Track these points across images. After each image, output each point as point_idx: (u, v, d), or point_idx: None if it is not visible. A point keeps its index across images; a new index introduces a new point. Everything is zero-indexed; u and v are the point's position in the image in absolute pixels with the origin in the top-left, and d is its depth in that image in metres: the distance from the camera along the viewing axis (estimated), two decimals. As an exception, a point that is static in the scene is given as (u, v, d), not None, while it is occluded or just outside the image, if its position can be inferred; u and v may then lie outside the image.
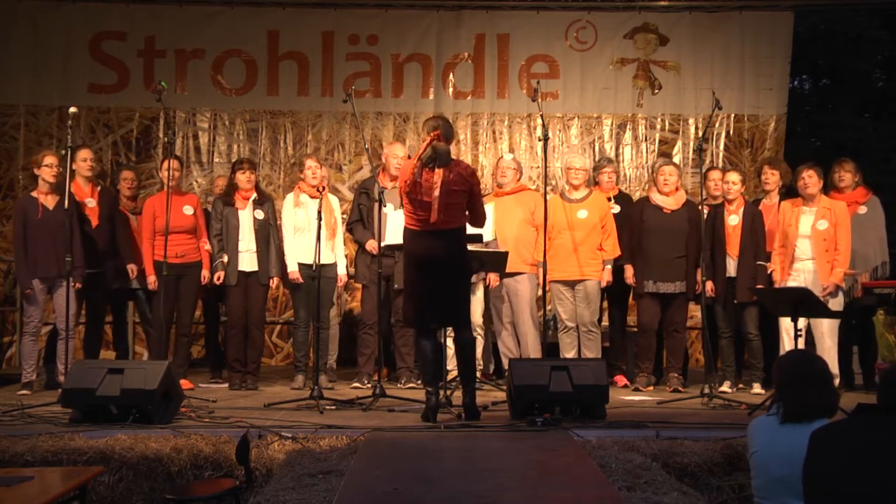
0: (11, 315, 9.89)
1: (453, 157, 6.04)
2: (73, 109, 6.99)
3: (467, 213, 6.03)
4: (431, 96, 10.59)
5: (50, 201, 7.49)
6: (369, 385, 7.61)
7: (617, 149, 10.63)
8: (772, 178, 8.08)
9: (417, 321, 6.05)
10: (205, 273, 7.94)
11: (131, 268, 7.96)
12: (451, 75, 10.64)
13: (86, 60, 10.43)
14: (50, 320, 8.10)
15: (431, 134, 5.87)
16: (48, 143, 10.15)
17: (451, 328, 7.21)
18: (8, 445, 5.10)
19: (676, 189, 7.99)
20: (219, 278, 7.86)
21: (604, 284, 7.92)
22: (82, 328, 8.17)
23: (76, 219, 7.50)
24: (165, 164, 7.55)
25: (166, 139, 8.10)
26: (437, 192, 5.77)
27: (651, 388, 7.86)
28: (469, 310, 6.25)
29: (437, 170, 5.81)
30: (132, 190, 8.31)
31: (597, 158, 9.90)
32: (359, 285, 8.50)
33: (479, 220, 6.13)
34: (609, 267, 7.91)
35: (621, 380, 8.13)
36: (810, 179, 7.52)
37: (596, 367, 6.19)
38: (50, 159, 7.53)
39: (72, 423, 5.71)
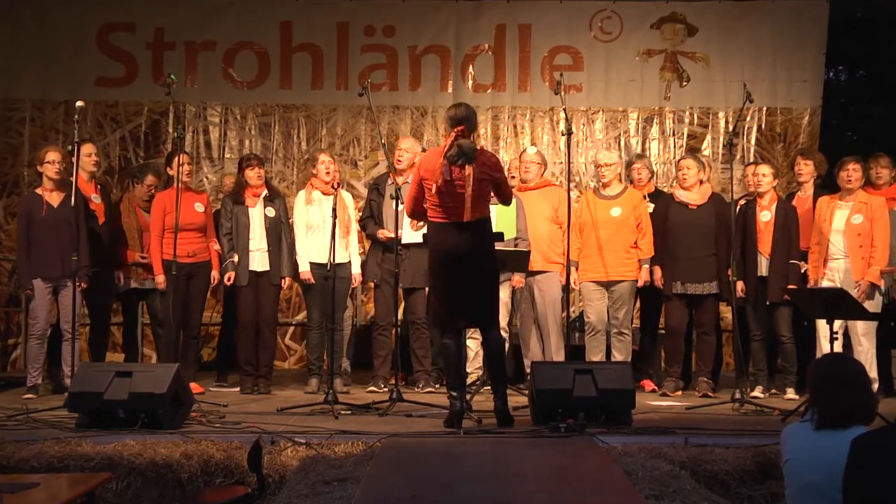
0: (16, 316, 9.95)
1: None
2: (79, 103, 7.01)
3: (493, 196, 6.17)
4: (450, 89, 10.59)
5: (55, 198, 7.51)
6: (386, 389, 7.60)
7: (643, 144, 10.61)
8: (805, 168, 8.03)
9: (446, 320, 6.05)
10: (214, 274, 7.95)
11: (118, 274, 7.97)
12: (470, 67, 10.63)
13: (93, 53, 10.48)
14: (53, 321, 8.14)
15: (455, 130, 5.88)
16: (54, 137, 10.20)
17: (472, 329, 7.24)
18: (13, 451, 5.12)
19: (700, 183, 7.96)
20: (229, 279, 7.87)
21: (641, 284, 7.91)
22: (87, 330, 8.21)
23: (83, 216, 7.52)
24: (175, 160, 7.54)
25: (176, 134, 8.10)
26: (469, 190, 5.80)
27: (679, 392, 7.84)
28: (498, 308, 6.26)
29: (466, 167, 5.83)
30: (149, 193, 8.30)
31: (628, 154, 9.88)
32: (373, 285, 8.50)
33: (507, 200, 6.34)
34: (646, 266, 7.90)
35: (648, 384, 8.11)
36: (855, 174, 7.47)
37: (622, 371, 6.19)
38: (52, 155, 7.56)
39: (78, 428, 5.73)
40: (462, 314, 6.01)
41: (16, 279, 9.27)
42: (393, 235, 7.41)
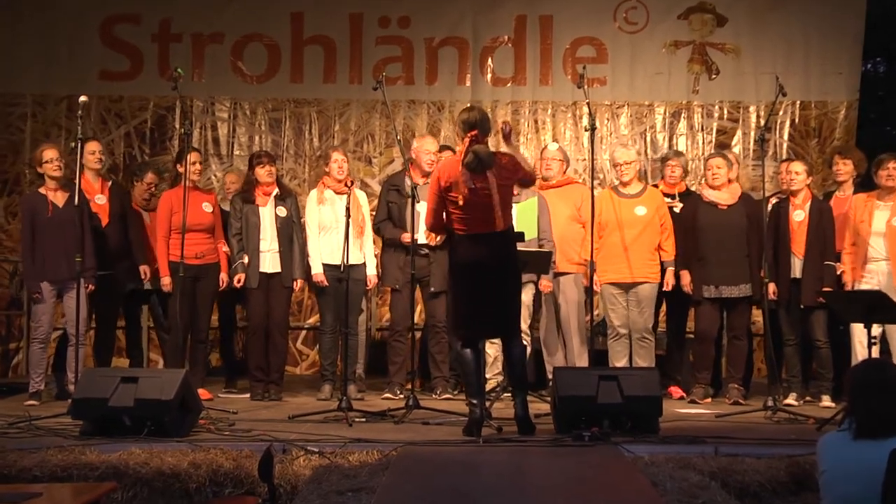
0: (18, 320, 9.99)
1: (491, 148, 6.09)
2: (83, 99, 7.04)
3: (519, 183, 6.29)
4: (468, 83, 10.58)
5: (59, 198, 7.54)
6: (402, 396, 7.61)
7: (670, 139, 10.57)
8: (844, 167, 7.98)
9: (467, 335, 6.07)
10: (223, 276, 7.97)
11: (144, 269, 8.00)
12: (489, 60, 10.62)
13: (96, 46, 10.49)
14: (59, 325, 8.18)
15: (468, 136, 5.91)
16: (56, 134, 10.24)
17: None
18: (15, 460, 5.15)
19: (729, 182, 7.94)
20: (239, 281, 7.88)
21: (667, 288, 7.89)
22: (92, 334, 8.24)
23: (87, 216, 7.55)
24: (185, 158, 7.54)
25: (183, 130, 8.14)
26: (496, 198, 5.82)
27: (709, 400, 7.82)
28: (520, 317, 6.29)
29: (486, 174, 5.85)
30: (150, 192, 8.34)
31: (654, 150, 9.85)
32: (387, 288, 8.51)
33: (530, 182, 6.52)
34: (671, 269, 7.88)
35: (676, 391, 8.09)
36: None
37: (648, 377, 6.19)
38: (49, 153, 7.58)
39: (82, 436, 5.76)
40: (484, 328, 6.07)
41: (18, 281, 9.35)
42: (409, 241, 7.41)
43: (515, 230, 6.28)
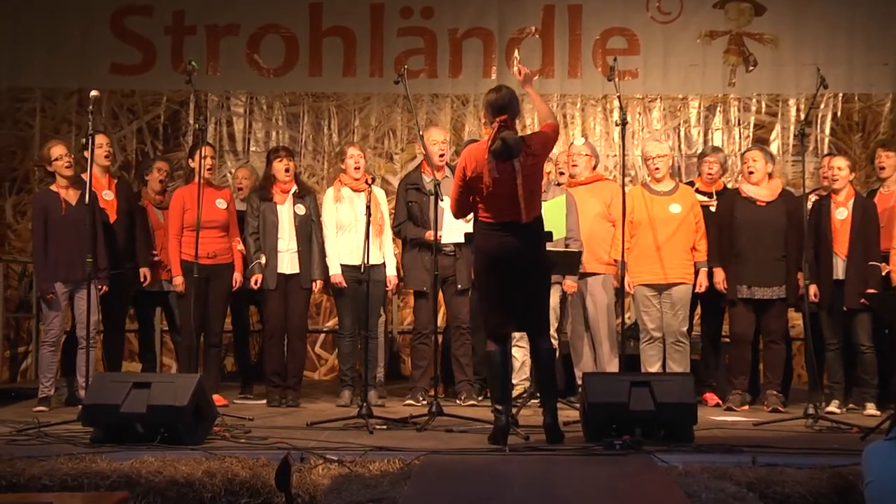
0: (27, 322, 10.04)
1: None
2: (94, 93, 7.06)
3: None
4: (493, 76, 10.57)
5: (72, 196, 7.57)
6: (424, 402, 7.62)
7: (705, 134, 10.54)
8: (888, 161, 7.92)
9: (492, 327, 6.05)
10: (237, 276, 7.97)
11: (144, 272, 8.01)
12: (515, 52, 10.61)
13: (107, 38, 10.58)
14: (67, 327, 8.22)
15: (497, 121, 5.86)
16: (66, 130, 10.32)
17: (518, 337, 7.23)
18: (24, 468, 5.17)
19: (769, 177, 7.90)
20: (256, 282, 7.89)
21: (700, 289, 7.85)
22: (100, 336, 8.28)
23: (99, 215, 7.58)
24: (198, 152, 7.57)
25: (197, 126, 8.14)
26: (521, 189, 5.79)
27: (746, 407, 7.78)
28: (548, 314, 6.25)
29: (512, 161, 5.81)
30: (163, 183, 8.38)
31: (689, 146, 9.81)
32: (409, 290, 8.51)
33: (549, 119, 6.20)
34: (705, 270, 7.85)
35: (712, 398, 8.06)
36: None
37: (682, 383, 6.15)
38: (58, 150, 7.61)
39: (93, 444, 5.78)
40: (510, 320, 6.01)
41: (27, 283, 9.39)
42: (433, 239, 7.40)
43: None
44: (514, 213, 5.85)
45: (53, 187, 7.62)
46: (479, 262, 6.08)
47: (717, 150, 8.74)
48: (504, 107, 5.90)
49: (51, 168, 7.62)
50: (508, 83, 10.16)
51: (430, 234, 7.71)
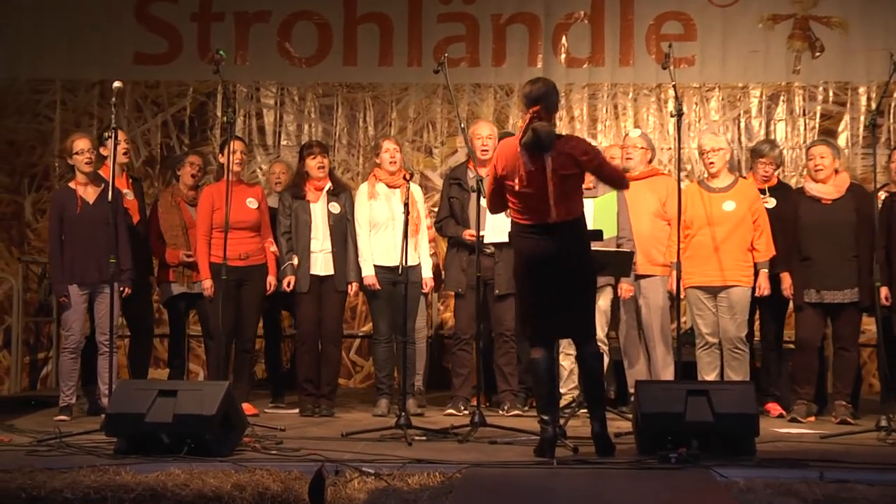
0: (47, 327, 10.12)
1: (563, 132, 6.02)
2: (117, 84, 7.11)
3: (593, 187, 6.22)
4: (539, 64, 10.57)
5: (90, 193, 7.64)
6: (466, 412, 7.63)
7: (768, 125, 10.48)
8: (964, 154, 7.89)
9: (532, 333, 6.05)
10: (271, 279, 8.01)
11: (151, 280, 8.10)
12: (563, 39, 10.61)
13: (131, 26, 10.65)
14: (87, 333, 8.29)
15: (530, 112, 5.85)
16: (88, 123, 10.40)
17: (565, 344, 7.22)
18: (44, 480, 5.22)
19: (835, 173, 7.84)
20: (289, 284, 7.93)
21: (760, 293, 7.80)
22: (126, 342, 8.35)
23: (122, 213, 7.65)
24: (227, 147, 7.60)
25: (225, 119, 8.17)
26: (550, 186, 5.77)
27: (812, 418, 7.74)
28: (594, 319, 6.23)
29: (543, 157, 5.80)
30: (195, 178, 8.43)
31: (749, 137, 9.76)
32: (450, 292, 8.52)
33: (621, 183, 6.38)
34: (765, 271, 7.79)
35: (775, 408, 8.02)
36: None
37: (743, 392, 6.13)
38: (81, 143, 7.66)
39: (117, 455, 5.82)
40: (550, 325, 6.01)
41: (46, 285, 9.46)
42: (473, 239, 7.40)
43: (593, 227, 6.25)
44: (544, 213, 5.86)
45: (72, 184, 7.70)
46: (517, 265, 6.10)
47: (772, 146, 8.65)
48: (538, 98, 5.89)
49: (71, 161, 7.68)
50: (555, 71, 10.35)
51: (467, 233, 7.73)
